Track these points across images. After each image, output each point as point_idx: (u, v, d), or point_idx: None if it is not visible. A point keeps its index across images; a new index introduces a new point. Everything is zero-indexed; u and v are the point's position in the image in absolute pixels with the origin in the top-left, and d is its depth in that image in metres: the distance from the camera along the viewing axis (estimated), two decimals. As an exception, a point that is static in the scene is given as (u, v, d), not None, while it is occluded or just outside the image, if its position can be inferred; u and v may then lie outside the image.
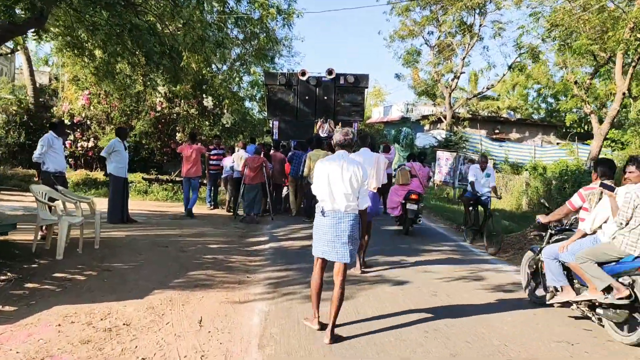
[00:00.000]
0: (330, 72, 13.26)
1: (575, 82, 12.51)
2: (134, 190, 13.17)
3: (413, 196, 9.05)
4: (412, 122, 29.87)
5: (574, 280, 4.84)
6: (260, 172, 10.32)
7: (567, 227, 5.33)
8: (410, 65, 26.55)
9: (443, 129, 26.73)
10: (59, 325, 4.11)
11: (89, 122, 15.42)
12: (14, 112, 15.55)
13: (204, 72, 14.48)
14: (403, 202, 9.09)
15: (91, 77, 10.87)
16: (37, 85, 17.52)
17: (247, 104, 21.21)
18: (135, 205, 11.29)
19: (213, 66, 15.40)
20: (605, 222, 4.58)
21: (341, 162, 4.14)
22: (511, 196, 14.96)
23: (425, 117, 27.29)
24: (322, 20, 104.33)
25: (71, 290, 5.05)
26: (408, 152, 27.43)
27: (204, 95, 14.44)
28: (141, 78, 14.74)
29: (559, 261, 4.87)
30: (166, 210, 11.45)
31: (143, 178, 14.22)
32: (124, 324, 4.22)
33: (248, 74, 17.39)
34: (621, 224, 4.30)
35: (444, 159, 17.24)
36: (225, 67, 17.31)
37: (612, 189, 4.44)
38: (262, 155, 10.72)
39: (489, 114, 28.60)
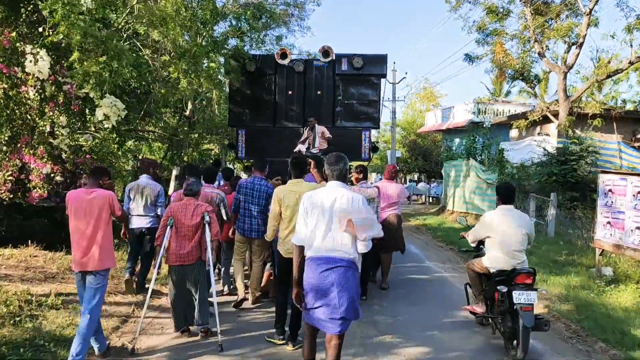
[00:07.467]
0: (326, 52, 8.70)
1: None
2: None
3: (521, 278, 4.48)
4: (488, 128, 19.75)
5: None
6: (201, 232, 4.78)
7: None
8: (490, 36, 16.76)
9: (547, 135, 16.60)
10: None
11: None
12: None
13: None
14: (504, 290, 4.54)
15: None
16: None
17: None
18: None
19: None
20: None
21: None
22: None
23: (513, 116, 17.23)
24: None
25: None
26: (496, 173, 17.03)
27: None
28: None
29: None
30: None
31: None
32: None
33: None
34: None
35: (630, 190, 7.08)
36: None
37: None
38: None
39: (620, 109, 17.97)
